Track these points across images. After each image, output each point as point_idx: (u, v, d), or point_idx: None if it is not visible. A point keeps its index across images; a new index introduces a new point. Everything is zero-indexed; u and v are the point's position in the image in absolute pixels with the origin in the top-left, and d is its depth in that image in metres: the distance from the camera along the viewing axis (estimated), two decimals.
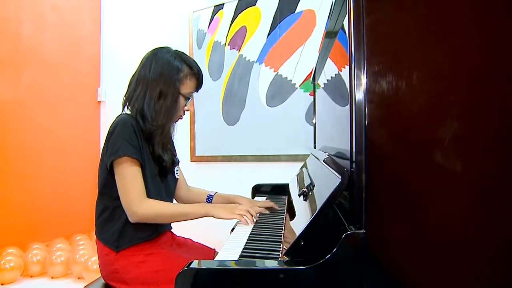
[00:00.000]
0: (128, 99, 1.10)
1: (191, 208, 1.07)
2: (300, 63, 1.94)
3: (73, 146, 2.65)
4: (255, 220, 1.04)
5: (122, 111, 1.11)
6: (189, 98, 1.14)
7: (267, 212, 1.13)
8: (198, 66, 1.14)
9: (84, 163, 2.66)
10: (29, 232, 2.30)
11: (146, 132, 1.06)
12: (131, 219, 1.00)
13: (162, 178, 1.13)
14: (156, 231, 1.08)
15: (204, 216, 1.05)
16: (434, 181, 0.51)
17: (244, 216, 1.03)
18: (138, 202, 0.98)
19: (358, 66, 0.55)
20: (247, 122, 2.13)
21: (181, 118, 1.16)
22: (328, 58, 0.97)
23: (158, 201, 1.04)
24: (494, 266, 0.48)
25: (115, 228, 1.03)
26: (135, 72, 1.12)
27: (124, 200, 0.99)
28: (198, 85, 1.15)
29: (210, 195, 1.31)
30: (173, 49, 1.13)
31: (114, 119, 1.04)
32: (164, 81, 1.06)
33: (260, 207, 1.13)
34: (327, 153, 0.93)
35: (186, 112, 1.16)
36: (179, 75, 1.08)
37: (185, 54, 1.14)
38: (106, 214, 1.05)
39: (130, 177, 0.99)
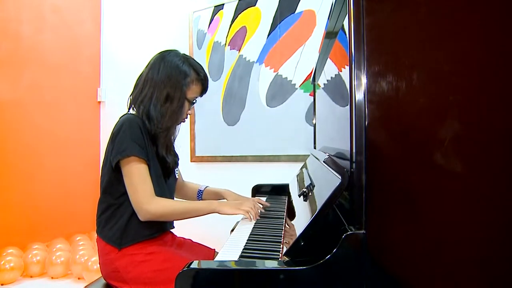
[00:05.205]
0: (134, 100, 1.11)
1: (200, 205, 1.10)
2: (300, 63, 1.94)
3: (73, 146, 2.64)
4: (260, 213, 1.09)
5: (128, 111, 1.12)
6: (193, 103, 1.16)
7: (267, 204, 1.20)
8: (205, 71, 1.16)
9: (84, 163, 2.67)
10: (29, 232, 2.30)
11: (151, 134, 1.07)
12: (143, 218, 1.01)
13: (165, 179, 1.14)
14: (159, 229, 1.09)
15: (212, 213, 1.07)
16: (434, 181, 0.51)
17: (249, 213, 1.06)
18: (149, 201, 0.99)
19: (358, 66, 0.55)
20: (247, 123, 2.13)
21: (184, 122, 1.18)
22: (328, 59, 0.97)
23: (168, 199, 1.07)
24: (494, 266, 0.48)
25: (118, 225, 1.04)
26: (142, 73, 1.13)
27: (135, 199, 1.00)
28: (203, 90, 1.17)
29: (200, 190, 1.35)
30: (181, 53, 1.15)
31: (119, 118, 1.05)
32: (171, 85, 1.08)
33: (258, 202, 1.18)
34: (327, 154, 0.93)
35: (188, 115, 1.18)
36: (186, 79, 1.10)
37: (192, 58, 1.16)
38: (109, 212, 1.06)
39: (138, 176, 1.00)
